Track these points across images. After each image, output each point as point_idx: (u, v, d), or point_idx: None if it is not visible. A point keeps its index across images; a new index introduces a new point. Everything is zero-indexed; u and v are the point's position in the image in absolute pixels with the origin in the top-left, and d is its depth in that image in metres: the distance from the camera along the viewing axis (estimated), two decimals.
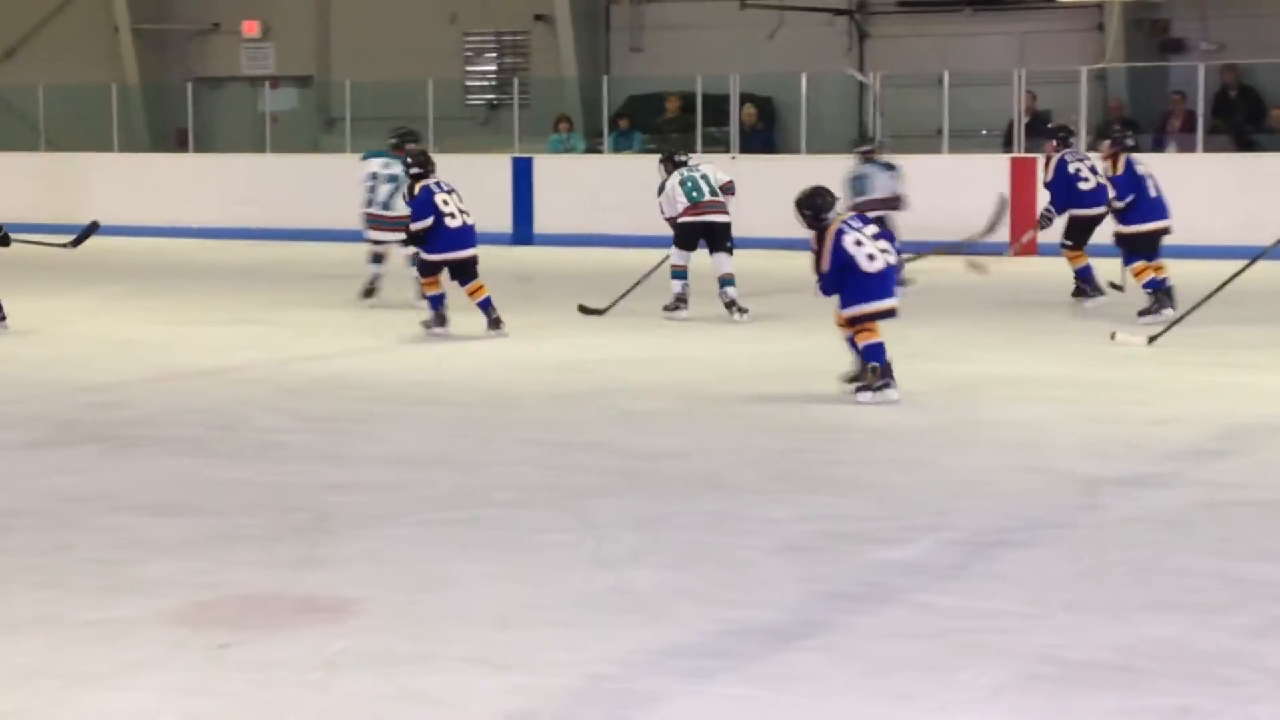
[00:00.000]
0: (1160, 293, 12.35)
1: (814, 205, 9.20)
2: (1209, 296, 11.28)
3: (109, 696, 4.50)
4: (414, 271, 12.52)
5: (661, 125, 21.28)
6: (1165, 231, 12.61)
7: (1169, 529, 6.31)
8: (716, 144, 20.31)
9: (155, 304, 14.43)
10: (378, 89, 22.29)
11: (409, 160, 12.30)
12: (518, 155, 21.11)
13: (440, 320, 11.93)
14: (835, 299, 9.13)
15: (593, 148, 21.74)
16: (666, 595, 5.39)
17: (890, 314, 9.12)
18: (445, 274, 11.94)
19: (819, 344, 9.45)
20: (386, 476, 7.31)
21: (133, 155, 23.48)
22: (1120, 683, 4.55)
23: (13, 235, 12.84)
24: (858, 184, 14.57)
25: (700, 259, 12.98)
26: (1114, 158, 12.68)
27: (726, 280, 12.74)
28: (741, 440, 8.12)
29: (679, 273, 12.95)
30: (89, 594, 5.44)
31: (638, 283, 13.38)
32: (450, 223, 11.82)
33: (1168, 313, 12.01)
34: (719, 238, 12.88)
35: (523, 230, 20.71)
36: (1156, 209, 12.61)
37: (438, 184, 11.92)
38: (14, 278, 13.60)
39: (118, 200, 21.86)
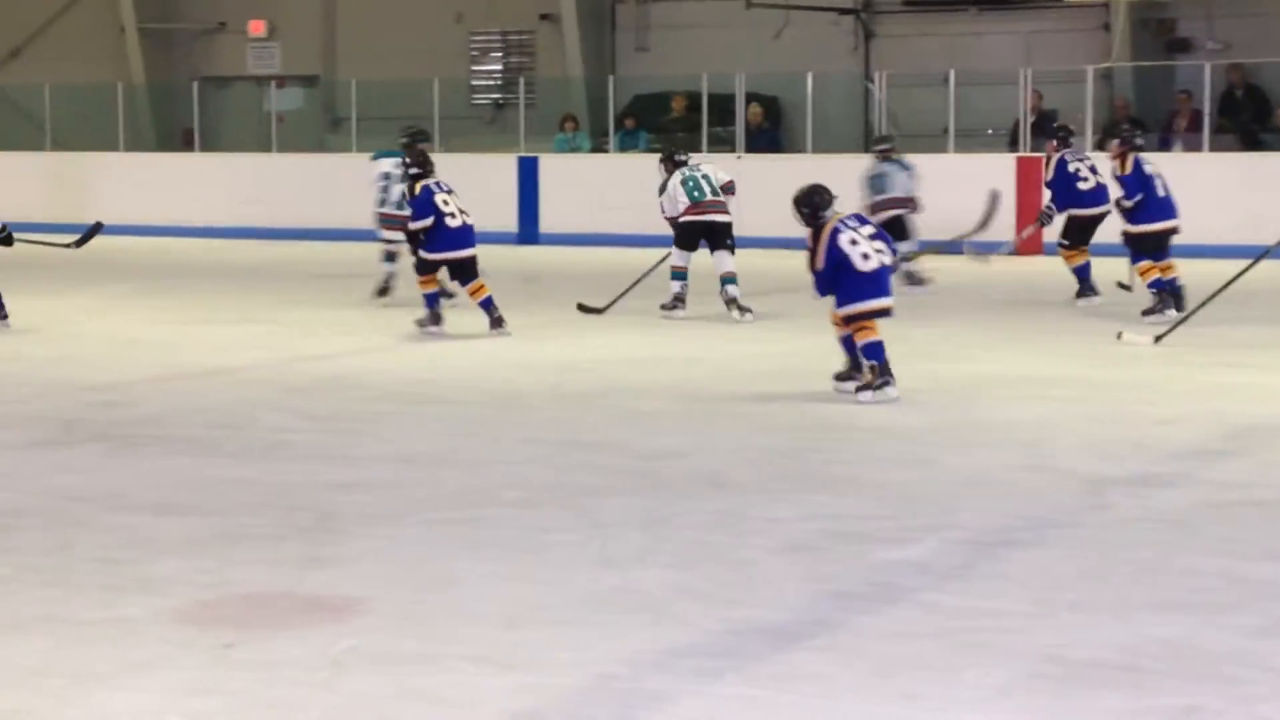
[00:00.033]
0: (1164, 293, 12.34)
1: (811, 203, 9.20)
2: (1213, 296, 11.27)
3: (113, 696, 4.50)
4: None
5: (667, 125, 21.28)
6: (1173, 231, 12.59)
7: (1174, 529, 6.31)
8: (722, 143, 20.32)
9: (160, 303, 14.43)
10: (383, 88, 22.31)
11: (407, 160, 12.32)
12: (523, 155, 21.12)
13: (435, 319, 11.96)
14: (831, 298, 9.15)
15: (598, 147, 21.74)
16: (672, 595, 5.39)
17: (885, 313, 9.12)
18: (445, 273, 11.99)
19: (820, 344, 9.45)
20: (392, 476, 7.31)
21: (138, 155, 23.50)
22: (1125, 682, 4.54)
23: (17, 235, 12.85)
24: (876, 182, 14.58)
25: (701, 258, 12.98)
26: (1122, 157, 12.66)
27: (728, 278, 12.74)
28: (744, 440, 8.12)
29: (679, 273, 12.95)
30: (93, 593, 5.45)
31: (636, 282, 13.39)
32: (450, 222, 11.84)
33: (1171, 313, 12.00)
34: (720, 237, 12.88)
35: (528, 230, 20.71)
36: (1165, 209, 12.59)
37: (437, 184, 11.96)
38: (19, 277, 13.60)
39: (123, 200, 21.88)
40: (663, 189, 13.18)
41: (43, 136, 23.97)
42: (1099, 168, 13.75)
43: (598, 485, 7.08)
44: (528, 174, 20.91)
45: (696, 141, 19.85)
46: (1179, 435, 8.20)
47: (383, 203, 13.81)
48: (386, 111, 21.06)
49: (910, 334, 10.30)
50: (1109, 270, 13.57)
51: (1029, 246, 15.94)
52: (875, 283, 9.05)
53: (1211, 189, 17.13)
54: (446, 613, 5.23)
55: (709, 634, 4.99)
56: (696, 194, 12.93)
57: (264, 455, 7.81)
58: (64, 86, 23.97)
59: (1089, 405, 9.02)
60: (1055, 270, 14.10)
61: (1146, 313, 12.22)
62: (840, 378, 9.24)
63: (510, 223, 20.48)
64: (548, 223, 20.70)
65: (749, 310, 12.64)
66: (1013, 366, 10.48)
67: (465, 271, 12.01)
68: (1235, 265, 11.44)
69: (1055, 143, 13.96)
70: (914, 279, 14.34)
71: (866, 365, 9.05)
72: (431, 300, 11.99)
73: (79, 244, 13.33)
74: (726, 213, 13.00)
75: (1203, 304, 11.38)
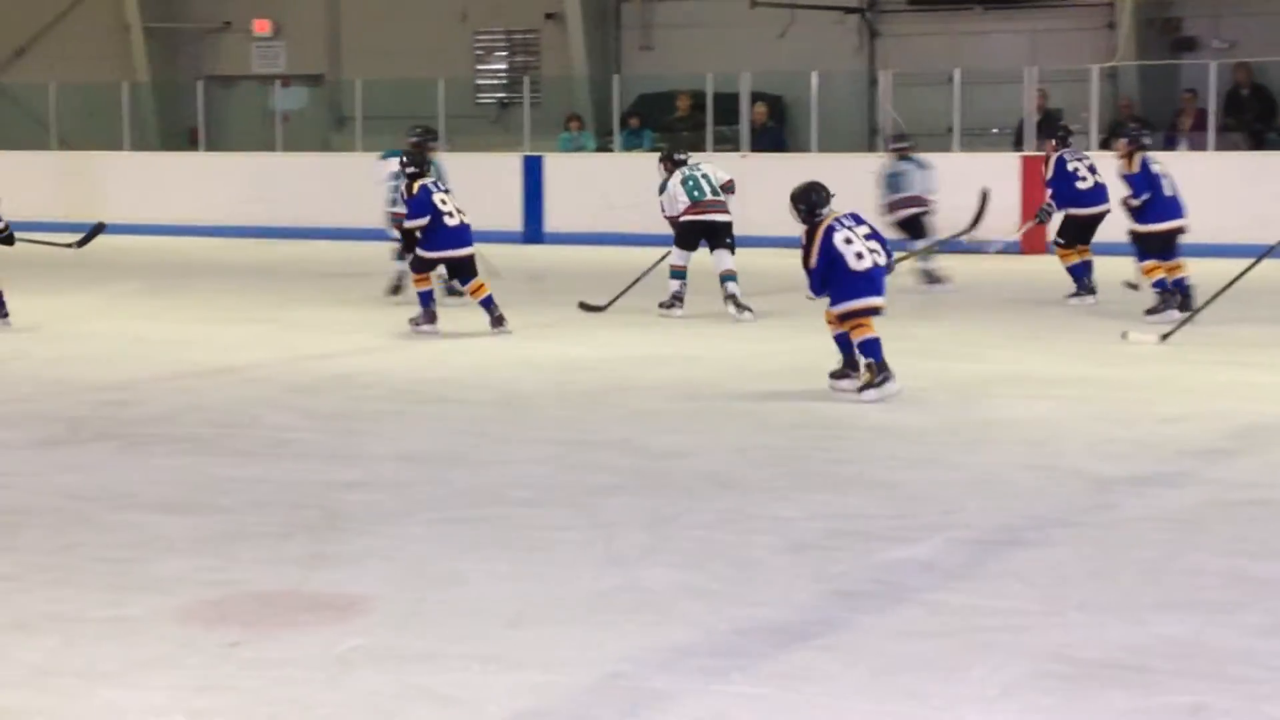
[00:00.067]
0: (1167, 293, 12.33)
1: (808, 200, 9.21)
2: (1217, 295, 11.27)
3: (120, 694, 4.50)
4: (441, 269, 12.45)
5: (672, 124, 21.28)
6: (1180, 231, 12.58)
7: (1180, 528, 6.30)
8: (727, 142, 20.32)
9: (165, 302, 14.44)
10: (388, 88, 22.32)
11: (404, 160, 12.33)
12: (528, 154, 21.12)
13: (430, 317, 11.97)
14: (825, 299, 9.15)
15: (603, 146, 21.75)
16: (677, 594, 5.39)
17: (876, 311, 9.12)
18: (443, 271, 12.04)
19: (822, 342, 9.43)
20: (397, 474, 7.31)
21: (144, 154, 23.53)
22: (1133, 681, 4.54)
23: (21, 234, 12.86)
24: (894, 180, 14.59)
25: (701, 257, 12.98)
26: (1129, 156, 12.65)
27: (728, 276, 12.73)
28: (748, 439, 8.12)
29: (678, 272, 12.95)
30: (99, 592, 5.45)
31: (636, 280, 13.40)
32: (448, 221, 11.86)
33: (1173, 313, 11.99)
34: (720, 236, 12.88)
35: (533, 229, 20.72)
36: (1172, 208, 12.58)
37: (434, 183, 11.99)
38: (24, 276, 13.61)
39: (128, 199, 21.91)
40: (663, 189, 13.18)
41: (48, 136, 23.98)
42: (1098, 167, 13.77)
43: (602, 484, 7.08)
44: (532, 173, 20.92)
45: (701, 141, 19.85)
46: (1185, 434, 8.19)
47: (394, 202, 13.80)
48: (391, 111, 21.08)
49: (915, 332, 10.30)
50: (1115, 270, 13.57)
51: (1034, 245, 15.92)
52: (868, 281, 9.06)
53: (1217, 188, 17.12)
54: (451, 611, 5.23)
55: (714, 633, 4.99)
56: (696, 193, 12.93)
57: (269, 454, 7.81)
58: (69, 86, 23.98)
59: (1095, 404, 9.01)
60: (1058, 269, 14.09)
61: (1149, 312, 12.21)
62: (836, 376, 9.24)
63: (515, 222, 20.50)
64: (552, 222, 20.71)
65: (749, 309, 12.63)
66: (1018, 365, 10.48)
67: (464, 270, 12.03)
68: (1240, 264, 11.44)
69: (1054, 142, 13.98)
70: (933, 278, 14.34)
71: (864, 363, 9.04)
72: (426, 299, 12.00)
73: (81, 244, 13.33)
74: (726, 212, 12.99)
75: (1206, 303, 11.37)
